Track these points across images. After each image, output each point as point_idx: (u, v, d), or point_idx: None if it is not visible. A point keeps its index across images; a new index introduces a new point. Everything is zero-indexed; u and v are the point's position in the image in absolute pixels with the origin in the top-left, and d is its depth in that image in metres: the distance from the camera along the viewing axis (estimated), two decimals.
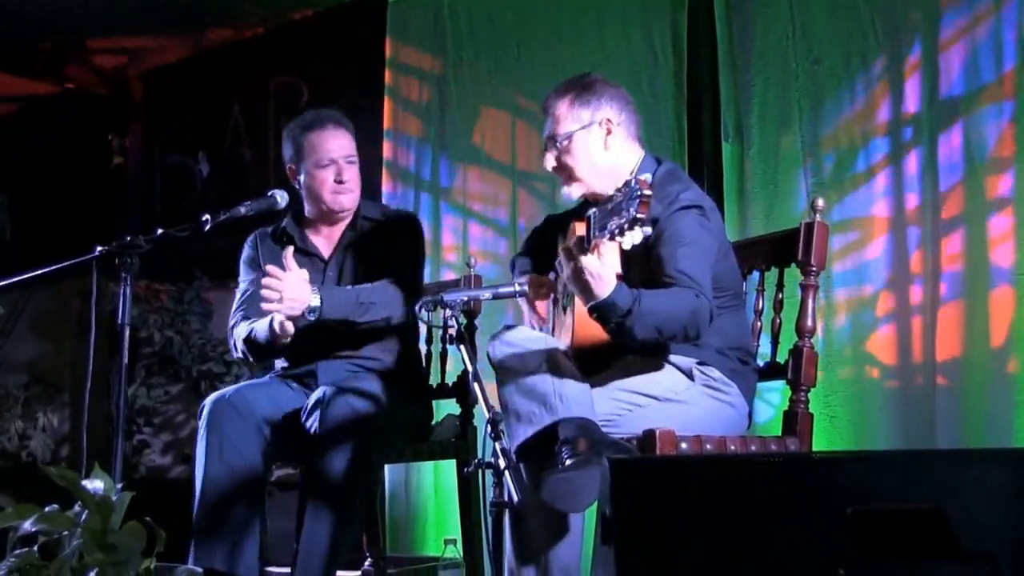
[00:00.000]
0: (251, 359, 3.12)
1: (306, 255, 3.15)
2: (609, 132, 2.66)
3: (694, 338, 2.44)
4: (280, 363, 3.20)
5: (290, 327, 2.92)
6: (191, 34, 5.52)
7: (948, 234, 3.21)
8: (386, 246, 3.13)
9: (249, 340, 3.05)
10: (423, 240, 3.27)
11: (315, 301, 2.87)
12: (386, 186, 4.57)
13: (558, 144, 2.68)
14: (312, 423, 2.86)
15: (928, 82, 3.28)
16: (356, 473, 2.84)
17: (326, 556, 2.82)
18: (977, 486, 1.73)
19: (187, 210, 5.12)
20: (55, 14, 5.12)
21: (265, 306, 2.86)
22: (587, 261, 2.30)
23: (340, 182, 3.10)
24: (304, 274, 2.91)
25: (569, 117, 2.67)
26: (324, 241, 3.21)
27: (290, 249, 2.96)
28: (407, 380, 3.16)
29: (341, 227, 3.20)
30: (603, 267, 2.31)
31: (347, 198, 3.13)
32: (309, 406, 2.89)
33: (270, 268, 2.88)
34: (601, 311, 2.36)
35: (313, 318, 2.89)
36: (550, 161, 2.71)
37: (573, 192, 2.73)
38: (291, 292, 2.85)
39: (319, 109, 3.24)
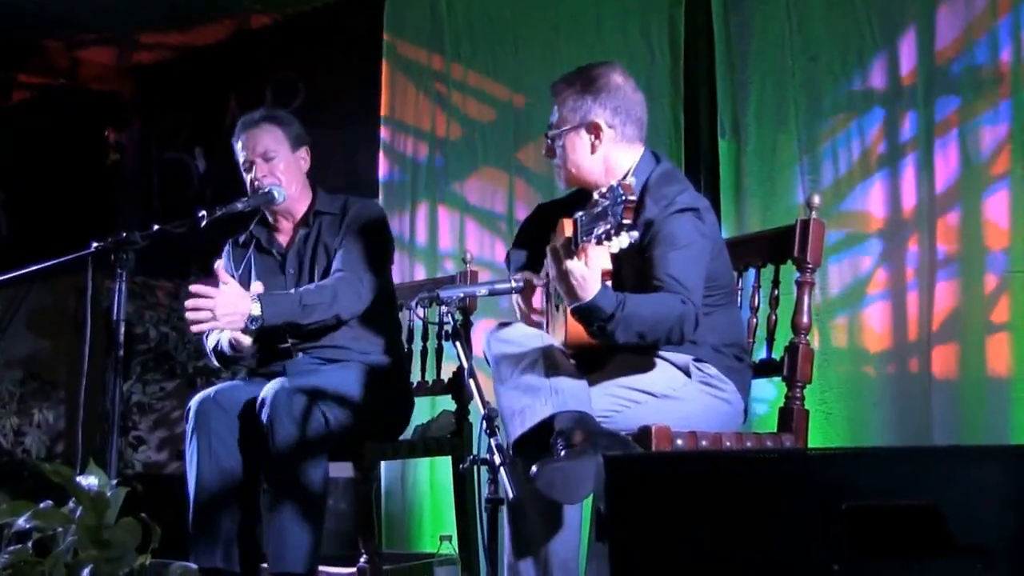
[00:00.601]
0: (222, 368, 3.14)
1: (268, 254, 3.20)
2: (598, 137, 2.64)
3: (677, 343, 2.45)
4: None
5: (245, 340, 2.96)
6: (188, 29, 5.51)
7: (944, 231, 3.21)
8: (344, 239, 3.12)
9: (217, 351, 3.09)
10: (383, 226, 3.23)
11: (255, 311, 2.87)
12: (383, 171, 4.56)
13: (553, 134, 2.69)
14: (264, 416, 2.85)
15: (924, 80, 3.28)
16: (303, 462, 2.83)
17: (309, 540, 2.82)
18: (972, 482, 1.74)
19: (184, 206, 5.11)
20: (52, 9, 5.11)
21: (195, 327, 2.86)
22: (572, 265, 2.32)
23: (254, 180, 3.13)
24: (237, 287, 2.90)
25: (563, 114, 2.67)
26: (286, 239, 3.22)
27: (219, 263, 2.98)
28: (382, 370, 3.13)
29: (298, 222, 3.21)
30: (588, 271, 2.32)
31: (273, 192, 3.13)
32: (259, 400, 2.89)
33: (194, 288, 2.88)
34: (584, 314, 2.37)
35: (255, 327, 2.89)
36: (546, 147, 2.73)
37: (560, 180, 2.75)
38: (224, 308, 2.83)
39: (255, 110, 3.26)
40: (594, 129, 2.64)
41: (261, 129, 3.16)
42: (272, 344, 3.08)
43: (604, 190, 2.25)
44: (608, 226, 2.20)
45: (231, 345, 3.00)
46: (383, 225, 3.23)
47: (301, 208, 3.20)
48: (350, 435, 2.97)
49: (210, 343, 3.12)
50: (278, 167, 3.14)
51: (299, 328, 2.97)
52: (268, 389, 2.87)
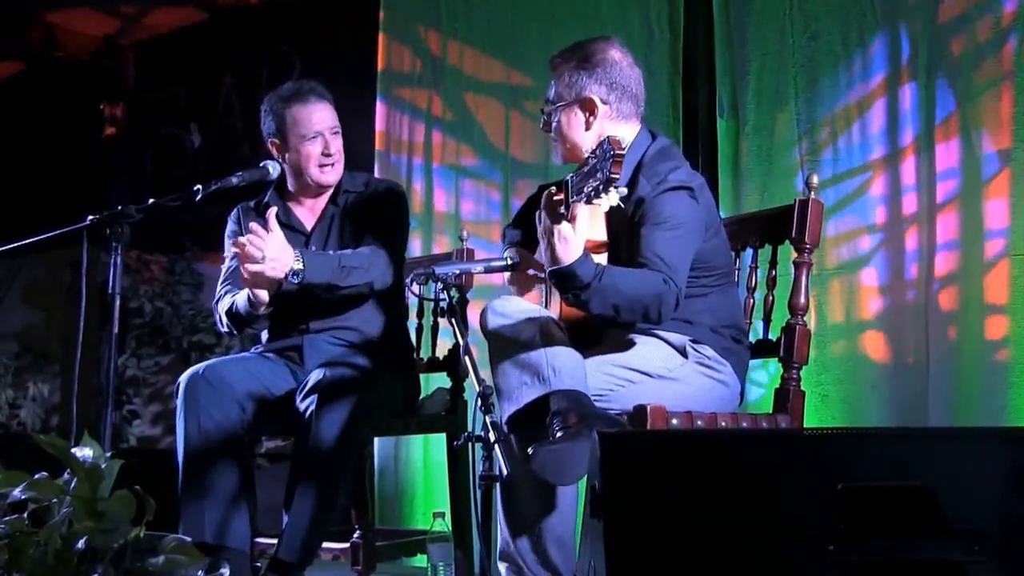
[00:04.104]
0: (234, 331, 3.13)
1: (290, 229, 3.15)
2: (592, 113, 2.63)
3: (655, 322, 2.44)
4: (263, 336, 3.20)
5: (264, 296, 2.92)
6: (184, 3, 5.47)
7: (944, 212, 3.20)
8: (369, 216, 3.12)
9: (231, 312, 3.06)
10: (406, 208, 3.25)
11: (298, 265, 2.86)
12: (379, 145, 4.55)
13: (550, 109, 2.69)
14: (308, 405, 2.85)
15: (926, 59, 3.26)
16: (345, 454, 2.86)
17: (310, 532, 2.84)
18: (967, 464, 1.74)
19: (178, 181, 5.10)
20: None
21: (248, 266, 2.85)
22: (558, 224, 2.31)
23: (327, 155, 3.10)
24: (283, 237, 2.87)
25: (559, 89, 2.66)
26: (307, 214, 3.20)
27: (272, 210, 2.94)
28: (393, 353, 3.15)
29: (323, 200, 3.19)
30: (572, 233, 2.31)
31: (332, 172, 3.13)
32: (307, 387, 2.88)
33: (253, 225, 2.87)
34: (560, 279, 2.36)
35: (296, 281, 2.88)
36: (543, 122, 2.71)
37: (557, 156, 2.73)
38: (272, 252, 2.83)
39: (299, 81, 3.21)
40: (589, 106, 2.63)
41: (325, 103, 3.12)
42: (287, 322, 3.08)
43: (594, 147, 2.25)
44: (596, 183, 2.20)
45: (249, 302, 2.96)
46: (406, 209, 3.24)
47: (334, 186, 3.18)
48: (376, 419, 3.02)
49: (223, 307, 3.09)
50: (340, 143, 3.13)
51: (334, 290, 2.95)
52: (314, 380, 2.86)
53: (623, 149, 2.18)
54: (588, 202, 2.25)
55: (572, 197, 2.30)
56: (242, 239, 2.85)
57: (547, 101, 2.70)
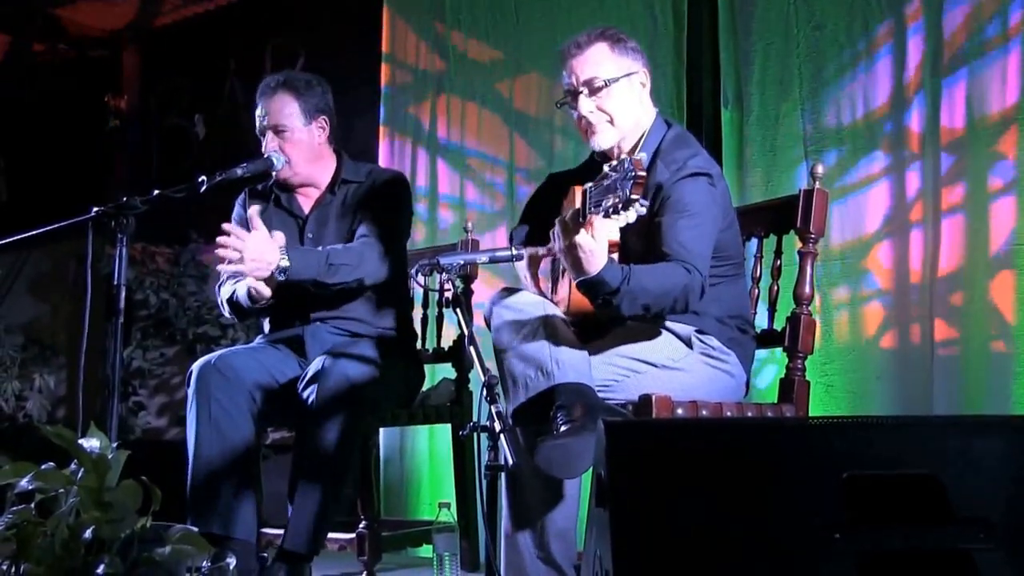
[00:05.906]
0: (235, 319, 3.15)
1: (289, 214, 3.16)
2: (644, 85, 2.66)
3: (682, 312, 2.45)
4: (265, 326, 3.20)
5: (265, 290, 2.93)
6: None
7: (948, 203, 3.19)
8: (368, 207, 3.11)
9: (232, 301, 3.07)
10: (408, 198, 3.24)
11: (284, 262, 2.86)
12: (383, 144, 4.55)
13: (599, 88, 2.61)
14: (309, 394, 2.85)
15: (931, 48, 3.25)
16: (349, 443, 2.86)
17: (316, 522, 2.85)
18: (973, 453, 1.73)
19: (183, 173, 5.11)
20: None
21: (222, 267, 2.86)
22: (580, 238, 2.30)
23: (264, 147, 3.11)
24: (272, 235, 2.88)
25: (610, 63, 2.62)
26: (308, 202, 3.20)
27: (255, 208, 2.95)
28: (397, 343, 3.15)
29: (323, 189, 3.19)
30: (595, 244, 2.31)
31: (272, 158, 3.11)
32: (308, 376, 2.89)
33: (227, 227, 2.87)
34: (589, 287, 2.35)
35: (283, 278, 2.88)
36: (588, 106, 2.62)
37: (604, 141, 2.62)
38: (253, 252, 2.83)
39: (273, 74, 3.21)
40: (644, 74, 2.65)
41: (275, 99, 3.11)
42: (289, 311, 3.08)
43: (615, 163, 2.25)
44: (616, 200, 2.20)
45: (249, 295, 2.97)
46: (407, 197, 3.23)
47: (320, 177, 3.18)
48: (379, 409, 3.02)
49: (224, 294, 3.10)
50: (288, 141, 3.11)
51: (323, 287, 2.95)
52: (315, 368, 2.87)
53: (643, 170, 2.18)
54: (606, 216, 2.25)
55: (590, 209, 2.29)
56: (220, 239, 2.84)
57: (588, 83, 2.61)
